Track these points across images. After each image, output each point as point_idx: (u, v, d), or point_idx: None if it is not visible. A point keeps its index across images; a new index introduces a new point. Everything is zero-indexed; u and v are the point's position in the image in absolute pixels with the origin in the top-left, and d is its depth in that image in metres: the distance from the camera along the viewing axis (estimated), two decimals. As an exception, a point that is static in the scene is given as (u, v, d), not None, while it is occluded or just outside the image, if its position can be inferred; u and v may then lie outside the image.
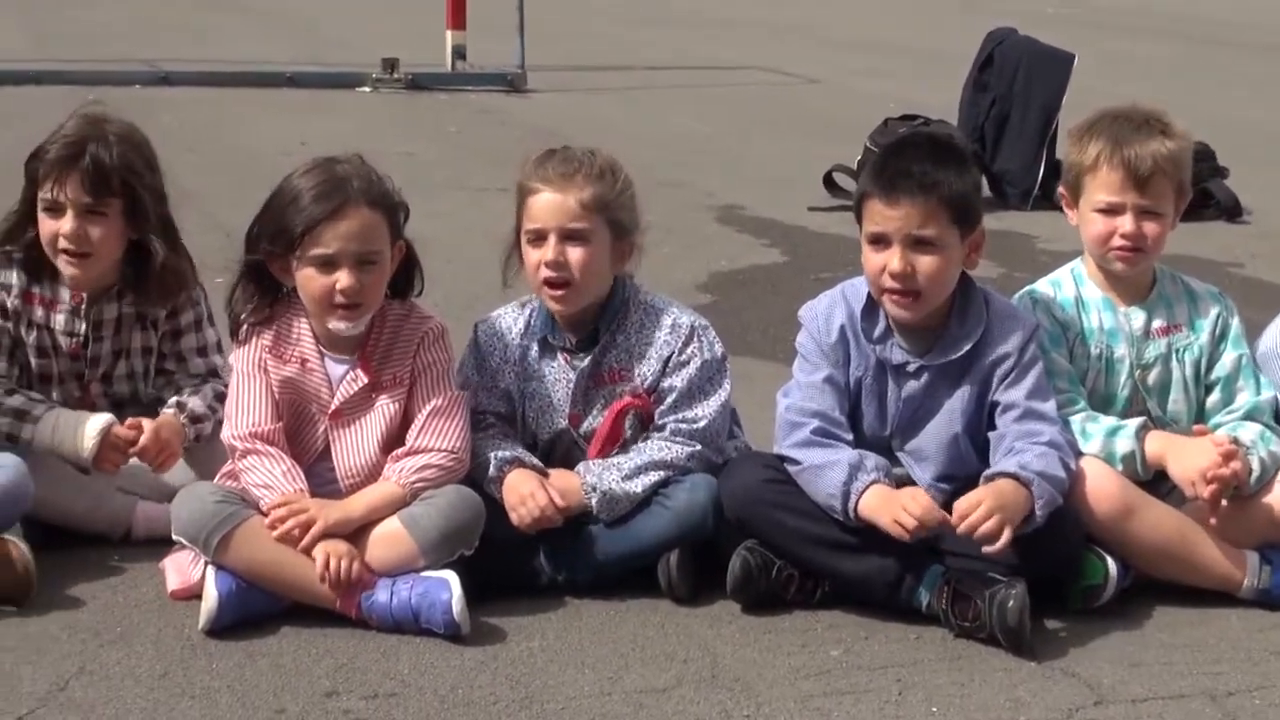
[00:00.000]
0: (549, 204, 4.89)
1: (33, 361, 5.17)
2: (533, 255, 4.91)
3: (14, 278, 5.14)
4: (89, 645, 4.48)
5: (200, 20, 21.04)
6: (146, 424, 5.03)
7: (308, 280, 4.74)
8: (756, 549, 4.73)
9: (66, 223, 5.02)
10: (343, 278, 4.70)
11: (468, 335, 5.09)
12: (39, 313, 5.16)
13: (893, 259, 4.69)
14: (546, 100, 15.04)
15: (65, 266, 5.08)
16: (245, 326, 4.85)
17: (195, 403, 5.16)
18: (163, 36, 18.83)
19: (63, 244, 5.04)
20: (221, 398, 5.05)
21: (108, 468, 5.04)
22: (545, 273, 4.87)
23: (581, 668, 4.41)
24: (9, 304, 5.13)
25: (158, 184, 5.15)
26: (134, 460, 5.09)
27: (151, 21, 20.69)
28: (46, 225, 5.06)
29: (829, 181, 10.56)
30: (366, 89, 15.31)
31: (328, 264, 4.71)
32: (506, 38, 15.60)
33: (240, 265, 4.85)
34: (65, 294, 5.15)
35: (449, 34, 15.91)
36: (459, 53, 15.90)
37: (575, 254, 4.86)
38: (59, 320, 5.17)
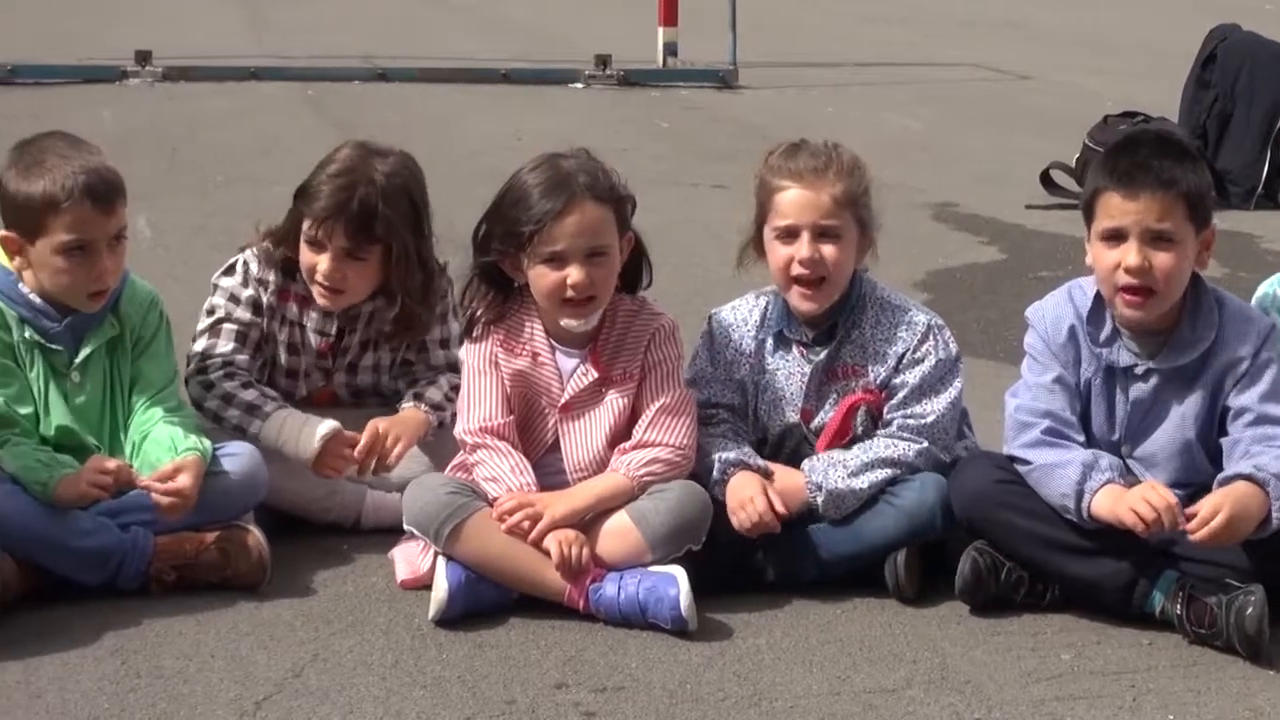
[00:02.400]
0: (800, 200, 4.86)
1: (282, 356, 5.25)
2: (782, 251, 4.88)
3: (272, 274, 5.21)
4: (321, 633, 4.55)
5: (416, 17, 21.30)
6: (378, 424, 5.09)
7: (539, 277, 4.77)
8: (986, 550, 4.68)
9: (325, 261, 5.08)
10: (573, 273, 4.72)
11: (685, 330, 5.07)
12: (293, 309, 5.24)
13: (1129, 254, 4.61)
14: (757, 96, 15.03)
15: (319, 297, 5.15)
16: (480, 324, 4.89)
17: (432, 392, 5.23)
18: (379, 33, 19.09)
19: (319, 278, 5.10)
20: (458, 389, 5.10)
21: (328, 473, 5.09)
22: (798, 270, 4.85)
23: (809, 666, 4.40)
24: (264, 299, 5.21)
25: (422, 227, 5.16)
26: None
27: (368, 18, 20.99)
28: (307, 255, 5.12)
29: (1046, 179, 10.44)
30: (579, 85, 15.40)
31: (557, 260, 4.73)
32: (718, 34, 15.61)
33: (472, 266, 4.89)
34: None
35: (660, 30, 15.98)
36: (670, 49, 15.96)
37: (829, 250, 4.84)
38: (312, 318, 5.25)
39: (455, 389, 5.15)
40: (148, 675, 4.28)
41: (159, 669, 4.32)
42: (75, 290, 4.79)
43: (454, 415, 5.07)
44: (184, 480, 4.68)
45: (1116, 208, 4.64)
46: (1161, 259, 4.60)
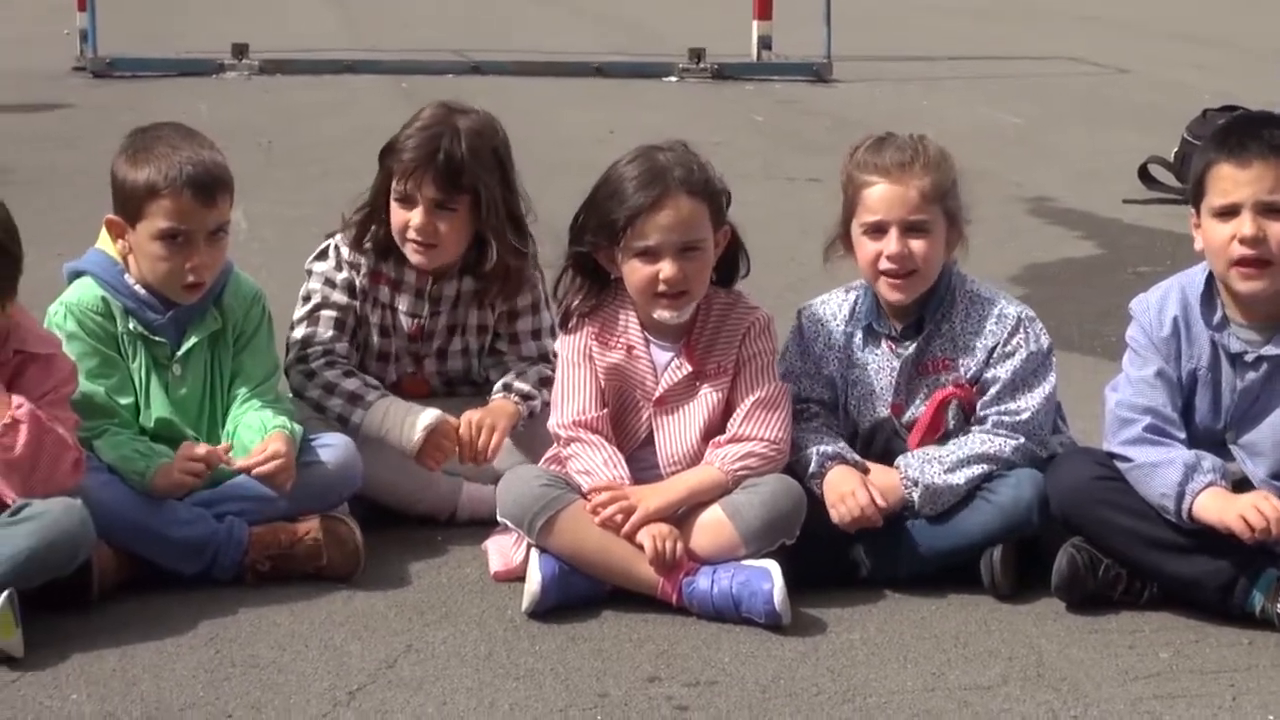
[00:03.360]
0: (888, 195, 4.82)
1: (374, 340, 5.29)
2: (870, 246, 4.84)
3: (363, 258, 5.25)
4: (415, 624, 4.56)
5: (509, 11, 21.35)
6: (471, 416, 5.11)
7: (632, 270, 4.76)
8: (1083, 547, 4.64)
9: (417, 215, 5.12)
10: (665, 267, 4.71)
11: (779, 324, 5.04)
12: (384, 292, 5.27)
13: (1244, 224, 4.54)
14: (851, 90, 14.97)
15: (413, 254, 5.18)
16: (575, 317, 4.89)
17: (521, 384, 5.24)
18: (472, 27, 19.15)
19: (412, 234, 5.14)
20: (546, 381, 5.13)
21: (430, 464, 5.11)
22: (886, 265, 4.81)
23: (904, 662, 4.37)
24: (357, 283, 5.25)
25: (508, 179, 5.22)
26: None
27: (460, 12, 21.05)
28: (398, 215, 5.17)
29: (1144, 174, 10.34)
30: (673, 79, 15.39)
31: (650, 254, 4.72)
32: (812, 27, 15.57)
33: (567, 257, 4.89)
34: (411, 275, 5.26)
35: (755, 24, 15.97)
36: (765, 43, 15.96)
37: (917, 245, 4.80)
38: (403, 301, 5.28)
39: (543, 380, 5.18)
40: (242, 664, 4.31)
41: (254, 658, 4.34)
42: (170, 279, 4.82)
43: (544, 404, 5.10)
44: (276, 446, 4.71)
45: (1229, 178, 4.58)
46: (1276, 230, 4.54)
